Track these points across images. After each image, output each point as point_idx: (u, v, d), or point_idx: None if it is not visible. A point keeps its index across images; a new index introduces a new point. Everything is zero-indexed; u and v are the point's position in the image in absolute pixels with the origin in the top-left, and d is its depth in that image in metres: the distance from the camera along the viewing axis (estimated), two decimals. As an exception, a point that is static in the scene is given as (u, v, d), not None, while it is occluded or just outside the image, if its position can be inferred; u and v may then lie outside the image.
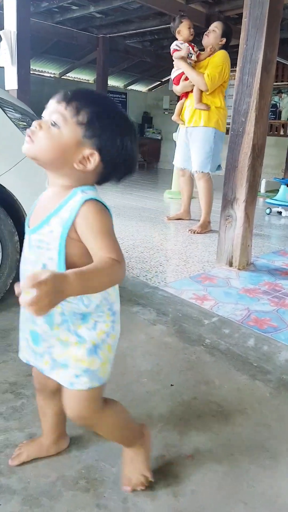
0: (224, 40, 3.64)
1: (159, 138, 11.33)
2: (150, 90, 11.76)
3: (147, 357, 1.67)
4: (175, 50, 3.74)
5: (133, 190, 6.39)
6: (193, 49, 3.72)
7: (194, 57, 3.72)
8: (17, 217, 1.89)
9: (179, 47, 3.73)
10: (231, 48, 3.74)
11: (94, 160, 0.83)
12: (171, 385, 1.49)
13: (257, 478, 1.10)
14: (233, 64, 3.04)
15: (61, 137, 0.81)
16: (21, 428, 1.25)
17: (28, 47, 4.36)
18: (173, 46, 3.77)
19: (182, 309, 2.09)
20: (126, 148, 0.85)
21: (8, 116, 1.84)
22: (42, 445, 1.13)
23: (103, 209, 0.84)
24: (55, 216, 0.84)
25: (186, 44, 3.71)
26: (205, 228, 3.73)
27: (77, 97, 0.82)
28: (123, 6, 6.50)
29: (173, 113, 4.07)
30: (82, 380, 0.90)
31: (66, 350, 0.91)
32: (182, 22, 3.73)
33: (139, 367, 1.59)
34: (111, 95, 10.42)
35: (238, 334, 1.86)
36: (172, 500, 1.03)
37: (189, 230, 3.67)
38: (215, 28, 3.63)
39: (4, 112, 1.83)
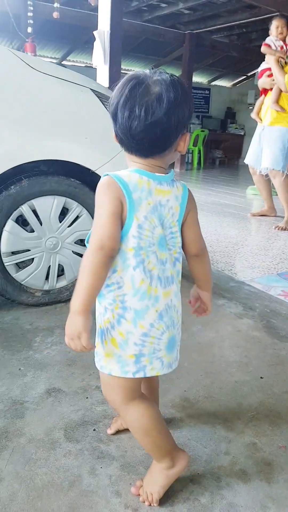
0: None
1: (242, 133, 11.06)
2: (234, 85, 11.53)
3: (235, 349, 1.68)
4: (267, 44, 3.71)
5: (214, 186, 6.35)
6: (281, 48, 3.67)
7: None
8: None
9: (273, 44, 3.70)
10: None
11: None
12: (261, 377, 1.48)
13: None
14: None
15: None
16: (116, 402, 1.33)
17: (120, 46, 4.52)
18: (267, 40, 3.75)
19: (270, 305, 2.06)
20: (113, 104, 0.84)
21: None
22: None
23: (105, 183, 0.84)
24: None
25: (280, 43, 3.69)
26: None
27: None
28: (212, 1, 6.46)
29: None
30: (95, 358, 0.95)
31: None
32: (272, 21, 3.74)
33: (227, 358, 1.61)
34: (194, 91, 10.42)
35: None
36: (265, 486, 1.03)
37: (275, 227, 3.57)
38: None
39: (105, 106, 1.94)
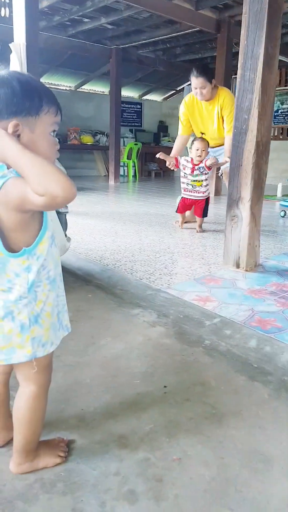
0: (213, 80, 3.80)
1: (175, 146, 11.29)
2: (165, 99, 11.81)
3: (142, 359, 1.61)
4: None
5: (147, 197, 6.38)
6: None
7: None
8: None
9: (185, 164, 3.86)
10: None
11: None
12: (164, 386, 1.43)
13: (247, 483, 1.03)
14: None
15: None
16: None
17: (37, 59, 4.42)
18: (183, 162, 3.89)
19: (184, 310, 2.03)
20: None
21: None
22: None
23: None
24: None
25: (189, 159, 3.84)
26: None
27: None
28: (133, 16, 6.58)
29: None
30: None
31: None
32: (193, 143, 3.84)
33: (132, 369, 1.54)
34: (126, 105, 10.53)
35: (239, 335, 1.78)
36: (152, 505, 0.96)
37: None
38: (202, 84, 3.72)
39: None
